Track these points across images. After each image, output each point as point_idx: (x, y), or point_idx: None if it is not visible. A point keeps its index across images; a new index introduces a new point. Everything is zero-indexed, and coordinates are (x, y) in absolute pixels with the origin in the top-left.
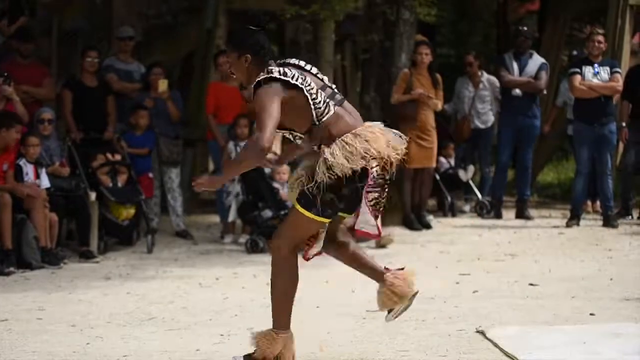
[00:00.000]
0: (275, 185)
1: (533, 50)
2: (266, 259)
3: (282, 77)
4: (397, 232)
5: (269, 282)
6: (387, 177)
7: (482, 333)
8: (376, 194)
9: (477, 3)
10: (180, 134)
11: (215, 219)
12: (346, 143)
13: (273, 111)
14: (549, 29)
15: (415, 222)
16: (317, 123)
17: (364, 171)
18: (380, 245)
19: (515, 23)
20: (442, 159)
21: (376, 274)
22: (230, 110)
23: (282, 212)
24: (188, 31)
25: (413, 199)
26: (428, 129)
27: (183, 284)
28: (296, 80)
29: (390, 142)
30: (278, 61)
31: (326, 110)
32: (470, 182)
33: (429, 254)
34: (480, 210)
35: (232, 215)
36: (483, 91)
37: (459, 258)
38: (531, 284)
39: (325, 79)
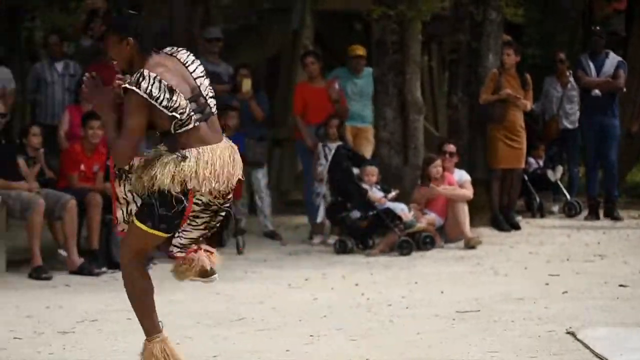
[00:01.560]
0: (364, 186)
1: (609, 50)
2: (355, 260)
3: (135, 88)
4: (486, 233)
5: (358, 282)
6: (222, 203)
7: (573, 334)
8: (205, 217)
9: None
10: (265, 134)
11: (304, 219)
12: (183, 157)
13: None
14: (637, 28)
15: (504, 222)
16: (172, 132)
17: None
18: (470, 246)
19: (601, 22)
20: (531, 160)
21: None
22: (318, 110)
23: (371, 213)
24: (275, 32)
25: (502, 200)
26: (517, 129)
27: (272, 284)
28: (148, 93)
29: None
30: (163, 51)
31: (186, 123)
32: (559, 183)
33: (517, 255)
34: (569, 211)
35: (320, 216)
36: (571, 91)
37: (548, 259)
38: (621, 285)
39: (204, 84)
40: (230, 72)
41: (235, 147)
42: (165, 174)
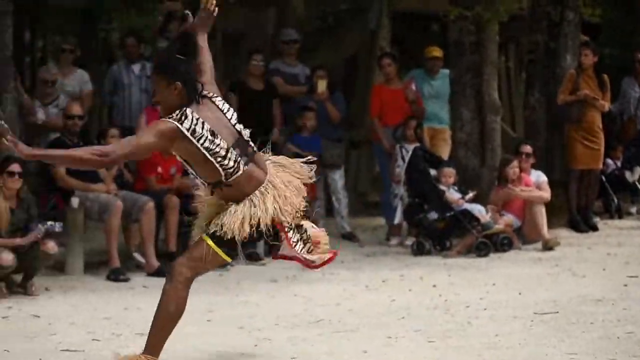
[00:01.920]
0: (441, 187)
1: None
2: (432, 261)
3: (180, 126)
4: (563, 234)
5: (436, 284)
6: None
7: None
8: (297, 237)
9: None
10: (342, 136)
11: (381, 221)
12: (253, 203)
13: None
14: None
15: (582, 223)
16: (225, 181)
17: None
18: (547, 247)
19: None
20: (609, 160)
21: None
22: (395, 112)
23: (448, 215)
24: (352, 33)
25: (579, 201)
26: (595, 130)
27: (349, 286)
28: (190, 131)
29: (293, 185)
30: (198, 96)
31: (236, 171)
32: (637, 184)
33: (595, 256)
34: None
35: (398, 218)
36: None
37: (626, 260)
38: None
39: (240, 127)
40: (306, 74)
41: (283, 162)
42: (236, 222)
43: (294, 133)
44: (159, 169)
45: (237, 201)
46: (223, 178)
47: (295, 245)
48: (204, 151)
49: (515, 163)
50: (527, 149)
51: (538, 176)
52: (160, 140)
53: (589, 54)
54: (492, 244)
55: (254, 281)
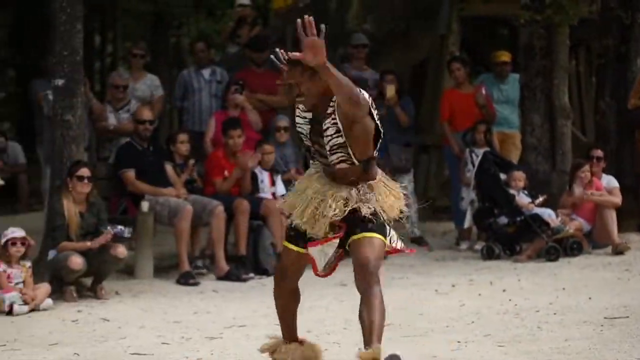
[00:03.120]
0: (511, 191)
1: None
2: (502, 266)
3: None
4: (634, 239)
5: (506, 288)
6: None
7: None
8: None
9: None
10: (411, 140)
11: (451, 225)
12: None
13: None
14: None
15: None
16: (373, 158)
17: None
18: (617, 251)
19: None
20: None
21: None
22: (465, 117)
23: (518, 219)
24: (421, 38)
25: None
26: None
27: (419, 290)
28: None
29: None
30: None
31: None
32: None
33: None
34: None
35: (467, 222)
36: None
37: None
38: None
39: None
40: (375, 78)
41: None
42: (390, 206)
43: None
44: (226, 172)
45: (367, 183)
46: (374, 154)
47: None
48: (377, 123)
49: (586, 167)
50: (599, 153)
51: (609, 181)
52: (366, 107)
53: None
54: (562, 248)
55: (322, 285)
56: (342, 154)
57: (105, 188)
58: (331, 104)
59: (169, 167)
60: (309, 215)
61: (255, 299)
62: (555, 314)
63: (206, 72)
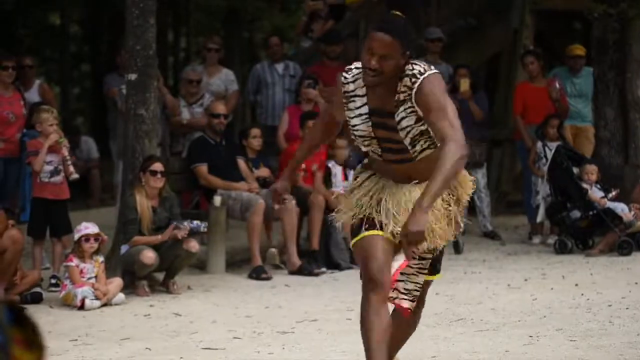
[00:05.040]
0: (584, 185)
1: None
2: (574, 260)
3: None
4: None
5: (578, 283)
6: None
7: None
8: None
9: None
10: (486, 135)
11: (523, 219)
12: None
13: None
14: None
15: None
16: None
17: None
18: None
19: None
20: None
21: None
22: (538, 110)
23: (591, 213)
24: (494, 32)
25: None
26: None
27: (491, 284)
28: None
29: None
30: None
31: None
32: None
33: None
34: None
35: (540, 216)
36: None
37: None
38: None
39: None
40: (450, 72)
41: None
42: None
43: None
44: (303, 165)
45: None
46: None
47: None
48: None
49: None
50: None
51: None
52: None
53: None
54: (635, 242)
55: None
56: (426, 140)
57: (178, 182)
58: (402, 89)
59: (241, 162)
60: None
61: (327, 294)
62: (627, 308)
63: (280, 67)
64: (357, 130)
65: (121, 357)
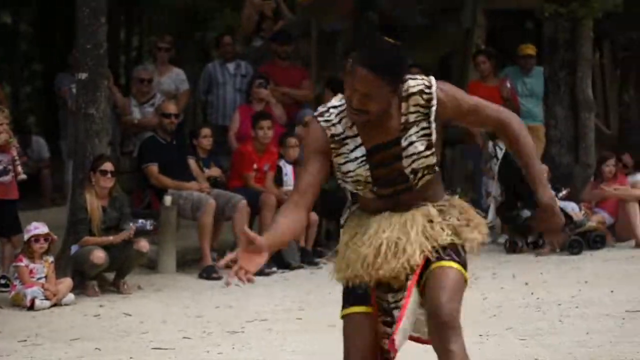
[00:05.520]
0: None
1: None
2: (525, 259)
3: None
4: None
5: (528, 282)
6: None
7: None
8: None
9: None
10: None
11: None
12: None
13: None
14: None
15: None
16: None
17: None
18: None
19: None
20: None
21: None
22: None
23: None
24: (446, 31)
25: None
26: None
27: None
28: None
29: None
30: None
31: None
32: None
33: None
34: None
35: (490, 216)
36: None
37: None
38: None
39: None
40: None
41: None
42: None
43: None
44: (255, 166)
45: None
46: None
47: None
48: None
49: (612, 160)
50: (628, 159)
51: (634, 175)
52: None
53: None
54: (585, 241)
55: None
56: (428, 171)
57: (129, 182)
58: (411, 110)
59: (192, 162)
60: (384, 256)
61: (278, 294)
62: (577, 307)
63: (231, 66)
64: (350, 176)
65: (71, 358)
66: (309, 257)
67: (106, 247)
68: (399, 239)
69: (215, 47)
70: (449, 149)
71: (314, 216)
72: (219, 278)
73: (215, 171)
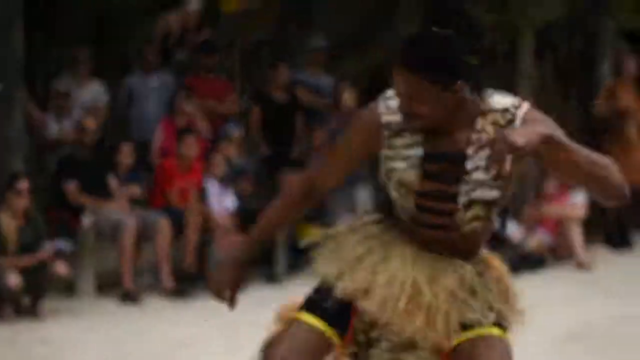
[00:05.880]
0: None
1: None
2: None
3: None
4: (599, 252)
5: None
6: None
7: None
8: None
9: None
10: None
11: None
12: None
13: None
14: None
15: (619, 241)
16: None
17: None
18: (581, 266)
19: None
20: None
21: None
22: None
23: None
24: (379, 42)
25: (617, 217)
26: (632, 142)
27: None
28: None
29: None
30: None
31: None
32: None
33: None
34: None
35: None
36: None
37: None
38: None
39: None
40: (332, 85)
41: None
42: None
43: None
44: (178, 183)
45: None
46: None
47: None
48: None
49: (550, 180)
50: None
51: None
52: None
53: (629, 63)
54: (524, 263)
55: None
56: (482, 210)
57: (46, 200)
58: (487, 128)
59: (112, 179)
60: (402, 309)
61: (202, 317)
62: (516, 331)
63: (153, 79)
64: (396, 175)
65: None
66: None
67: (21, 270)
68: (421, 294)
69: (136, 59)
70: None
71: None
72: (139, 301)
73: (135, 189)
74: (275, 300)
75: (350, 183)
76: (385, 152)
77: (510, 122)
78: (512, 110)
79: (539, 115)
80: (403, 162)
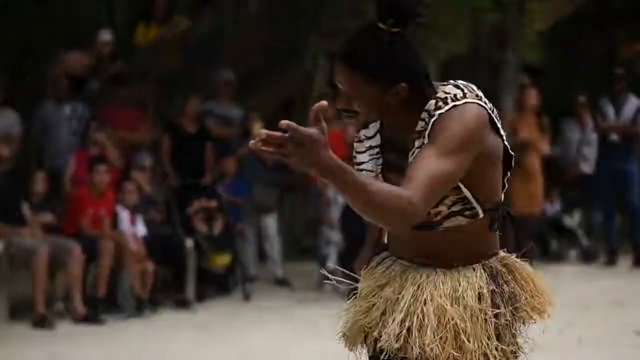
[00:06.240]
0: None
1: (631, 93)
2: None
3: (483, 104)
4: None
5: None
6: None
7: None
8: None
9: (586, 43)
10: (277, 179)
11: (315, 266)
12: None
13: (454, 164)
14: None
15: None
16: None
17: None
18: None
19: (626, 64)
20: (548, 204)
21: None
22: (333, 154)
23: None
24: (287, 74)
25: (516, 246)
26: (533, 173)
27: (282, 332)
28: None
29: None
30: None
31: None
32: (576, 228)
33: None
34: (587, 257)
35: (331, 263)
36: (590, 135)
37: (562, 304)
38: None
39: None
40: (241, 116)
41: None
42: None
43: (218, 180)
44: (90, 211)
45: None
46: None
47: None
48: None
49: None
50: None
51: None
52: (465, 152)
53: (530, 96)
54: None
55: (182, 328)
56: (458, 204)
57: None
58: (423, 116)
59: (25, 207)
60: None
61: (112, 342)
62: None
63: (67, 108)
64: (362, 171)
65: None
66: (146, 305)
67: None
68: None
69: (50, 87)
70: (289, 193)
71: (151, 265)
72: (52, 327)
73: (48, 217)
74: (185, 325)
75: (259, 212)
76: (356, 145)
77: (431, 117)
78: (447, 103)
79: (451, 124)
80: (366, 153)
